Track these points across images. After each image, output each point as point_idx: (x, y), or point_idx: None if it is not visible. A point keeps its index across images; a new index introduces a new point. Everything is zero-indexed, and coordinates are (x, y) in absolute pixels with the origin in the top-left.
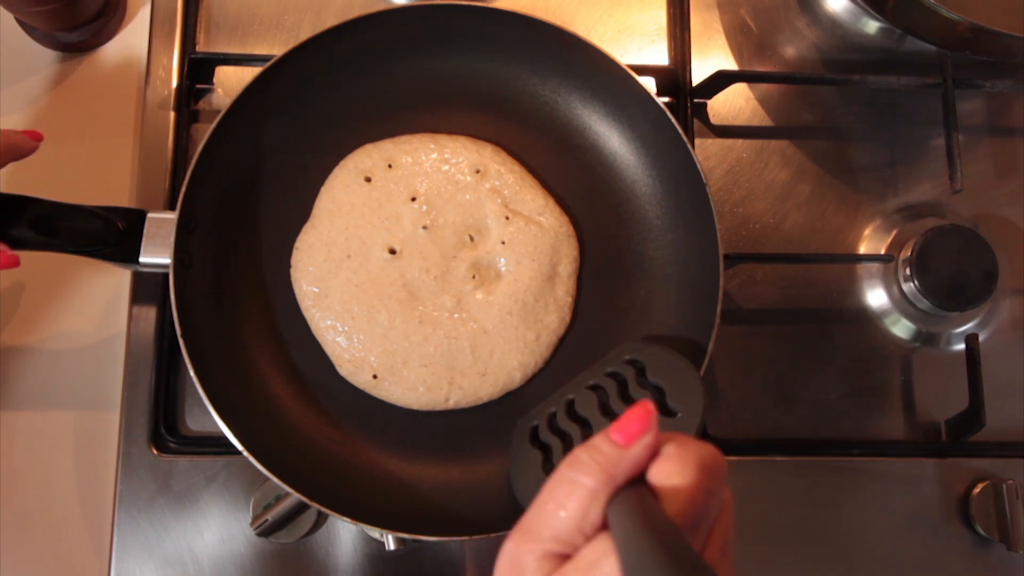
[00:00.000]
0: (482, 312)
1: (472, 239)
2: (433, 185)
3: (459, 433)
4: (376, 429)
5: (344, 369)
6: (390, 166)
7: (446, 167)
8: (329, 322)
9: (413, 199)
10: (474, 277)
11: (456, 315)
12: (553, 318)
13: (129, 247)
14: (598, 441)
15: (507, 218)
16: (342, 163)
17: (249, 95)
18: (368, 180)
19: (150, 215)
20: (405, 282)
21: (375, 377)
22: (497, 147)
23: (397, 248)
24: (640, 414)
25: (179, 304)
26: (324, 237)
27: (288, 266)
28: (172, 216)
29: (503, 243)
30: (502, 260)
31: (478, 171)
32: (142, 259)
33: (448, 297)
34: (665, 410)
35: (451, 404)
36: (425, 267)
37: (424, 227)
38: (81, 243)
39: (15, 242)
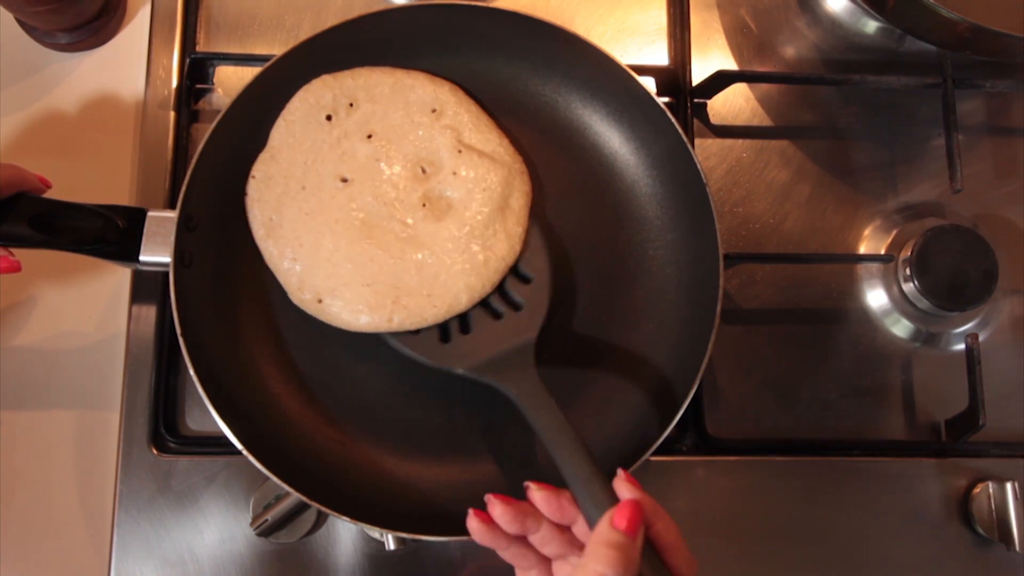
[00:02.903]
0: (430, 237)
1: (424, 171)
2: (390, 122)
3: (459, 432)
4: (376, 428)
5: (294, 296)
6: (351, 105)
7: (404, 104)
8: (280, 250)
9: (370, 136)
10: (424, 206)
11: (403, 236)
12: (502, 245)
13: (129, 246)
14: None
15: (459, 152)
16: (301, 95)
17: (250, 94)
18: (329, 119)
19: (150, 213)
20: (355, 208)
21: (320, 301)
22: (455, 86)
23: (349, 177)
24: (634, 509)
25: (179, 303)
26: (284, 170)
27: None
28: (172, 215)
29: (454, 174)
30: (452, 190)
31: (434, 110)
32: (142, 258)
33: (396, 223)
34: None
35: (395, 324)
36: (375, 195)
37: (377, 159)
38: (81, 241)
39: (15, 240)
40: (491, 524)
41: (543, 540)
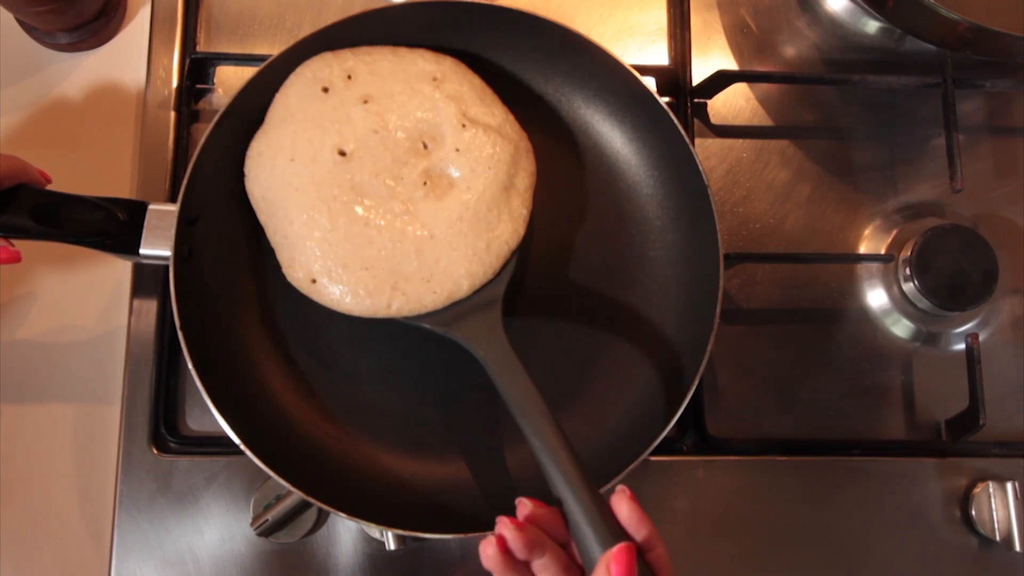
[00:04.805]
0: (431, 218)
1: (426, 146)
2: (388, 88)
3: (457, 430)
4: (374, 425)
5: (287, 274)
6: (349, 77)
7: (404, 76)
8: (273, 227)
9: (366, 101)
10: (425, 184)
11: (404, 218)
12: (506, 228)
13: (130, 238)
14: None
15: (463, 126)
16: (299, 71)
17: (252, 89)
18: (326, 91)
19: (151, 207)
20: (353, 184)
21: (313, 282)
22: (457, 60)
23: (347, 150)
24: (630, 558)
25: (179, 296)
26: (273, 144)
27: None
28: (173, 208)
29: (457, 150)
30: (455, 168)
31: (435, 79)
32: (142, 251)
33: (397, 203)
34: None
35: (393, 311)
36: (375, 171)
37: (375, 131)
38: (82, 233)
39: (16, 231)
40: (507, 551)
41: (543, 566)
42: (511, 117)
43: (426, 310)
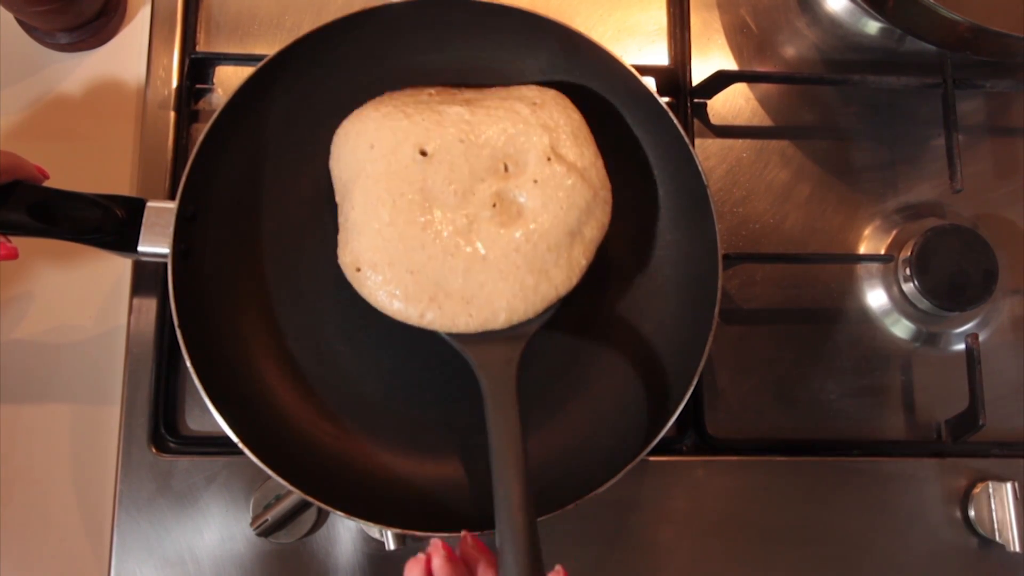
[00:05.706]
0: (490, 241)
1: (507, 169)
2: (486, 103)
3: (456, 430)
4: (372, 424)
5: (339, 255)
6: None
7: (504, 93)
8: (340, 206)
9: (462, 107)
10: (494, 206)
11: (463, 234)
12: (560, 273)
13: (128, 236)
14: None
15: (548, 159)
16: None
17: (251, 86)
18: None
19: (150, 204)
20: (424, 187)
21: (358, 270)
22: (560, 93)
23: (429, 151)
24: None
25: (177, 294)
26: (359, 126)
27: (285, 256)
28: (172, 205)
29: (535, 182)
30: (529, 199)
31: (535, 103)
32: (141, 248)
33: (461, 216)
34: None
35: (425, 322)
36: (450, 180)
37: (462, 140)
38: (80, 230)
39: (13, 227)
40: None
41: None
42: (599, 162)
43: (457, 330)
